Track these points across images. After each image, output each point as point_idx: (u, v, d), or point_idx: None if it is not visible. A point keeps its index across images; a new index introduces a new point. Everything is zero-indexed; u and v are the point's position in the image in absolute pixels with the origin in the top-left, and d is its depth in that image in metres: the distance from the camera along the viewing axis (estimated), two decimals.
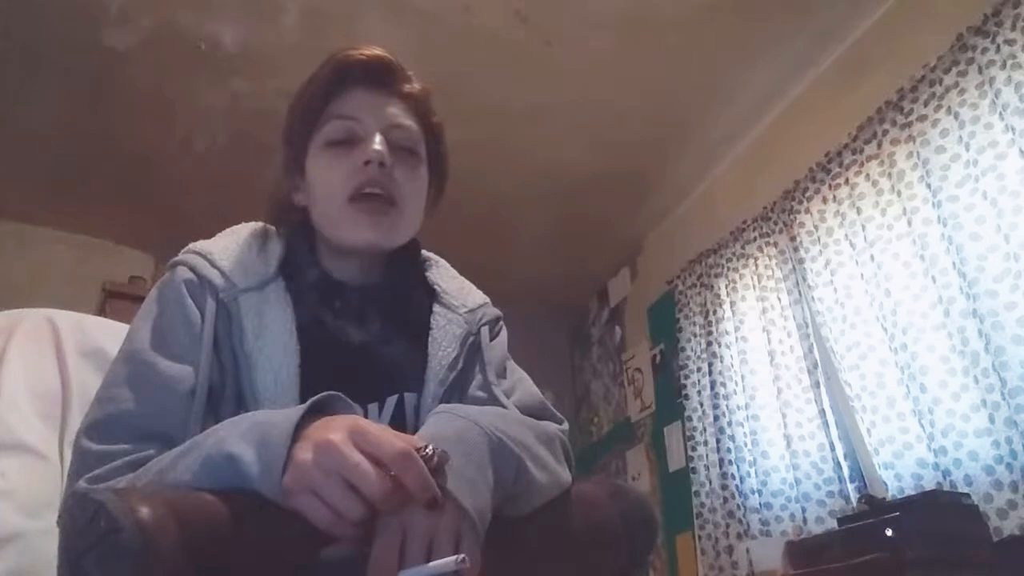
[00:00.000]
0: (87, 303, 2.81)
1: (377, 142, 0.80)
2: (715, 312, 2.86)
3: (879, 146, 2.23)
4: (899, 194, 2.14)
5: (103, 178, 3.02)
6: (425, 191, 0.87)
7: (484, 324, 0.89)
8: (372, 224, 0.79)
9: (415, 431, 0.70)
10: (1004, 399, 1.74)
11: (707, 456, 2.72)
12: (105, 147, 2.85)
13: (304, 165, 0.84)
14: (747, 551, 2.16)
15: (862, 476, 2.22)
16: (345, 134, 0.81)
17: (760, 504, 2.47)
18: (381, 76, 0.84)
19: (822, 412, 2.30)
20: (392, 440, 0.55)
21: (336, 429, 0.55)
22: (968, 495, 1.76)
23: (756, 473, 2.52)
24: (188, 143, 2.84)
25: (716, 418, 2.70)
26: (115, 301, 2.82)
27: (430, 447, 0.56)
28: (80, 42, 2.40)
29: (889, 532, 1.62)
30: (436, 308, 0.88)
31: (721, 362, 2.76)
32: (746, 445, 2.58)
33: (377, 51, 0.84)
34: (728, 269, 2.85)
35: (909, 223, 2.08)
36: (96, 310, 2.72)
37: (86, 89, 2.58)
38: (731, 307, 2.82)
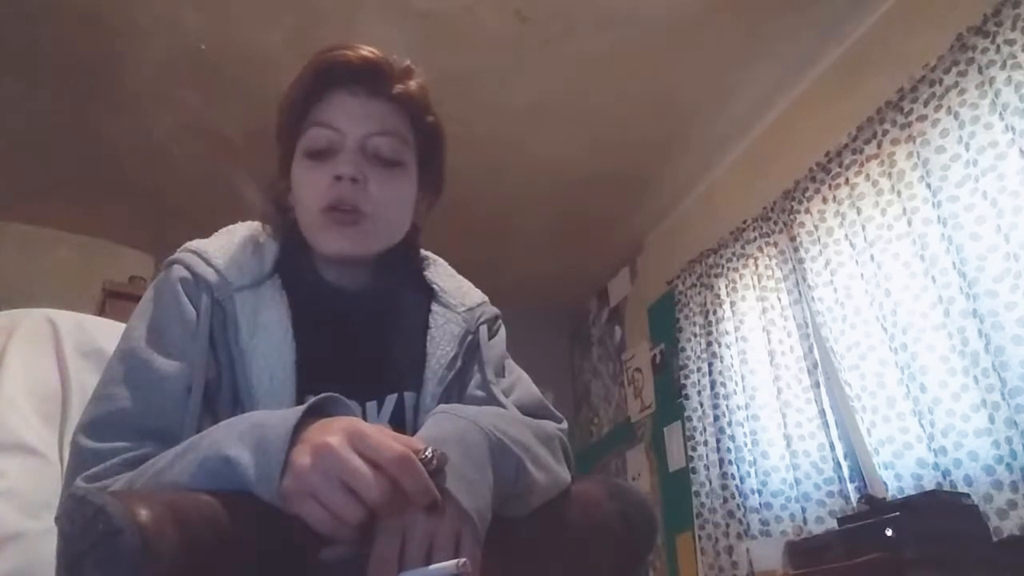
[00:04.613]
0: (87, 303, 2.81)
1: (351, 159, 0.78)
2: (715, 312, 2.86)
3: (879, 146, 2.23)
4: (899, 194, 2.14)
5: (103, 178, 3.02)
6: (409, 198, 0.85)
7: (482, 323, 0.89)
8: (342, 235, 0.78)
9: (415, 430, 0.70)
10: (1004, 399, 1.74)
11: (707, 456, 2.72)
12: (105, 147, 2.85)
13: (290, 168, 0.83)
14: (747, 551, 2.16)
15: (862, 476, 2.22)
16: (322, 144, 0.80)
17: (760, 504, 2.47)
18: (367, 78, 0.81)
19: (822, 412, 2.30)
20: (391, 444, 0.54)
21: (334, 432, 0.55)
22: (968, 495, 1.76)
23: (756, 473, 2.52)
24: (188, 143, 2.84)
25: (716, 418, 2.70)
26: (115, 301, 2.82)
27: (429, 450, 0.56)
28: (80, 42, 2.39)
29: (889, 532, 1.62)
30: (434, 307, 0.88)
31: (721, 362, 2.76)
32: (746, 445, 2.58)
33: (364, 52, 0.81)
34: (728, 269, 2.85)
35: (909, 223, 2.08)
36: (96, 310, 2.72)
37: (86, 89, 2.58)
38: (731, 307, 2.82)
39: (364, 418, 0.76)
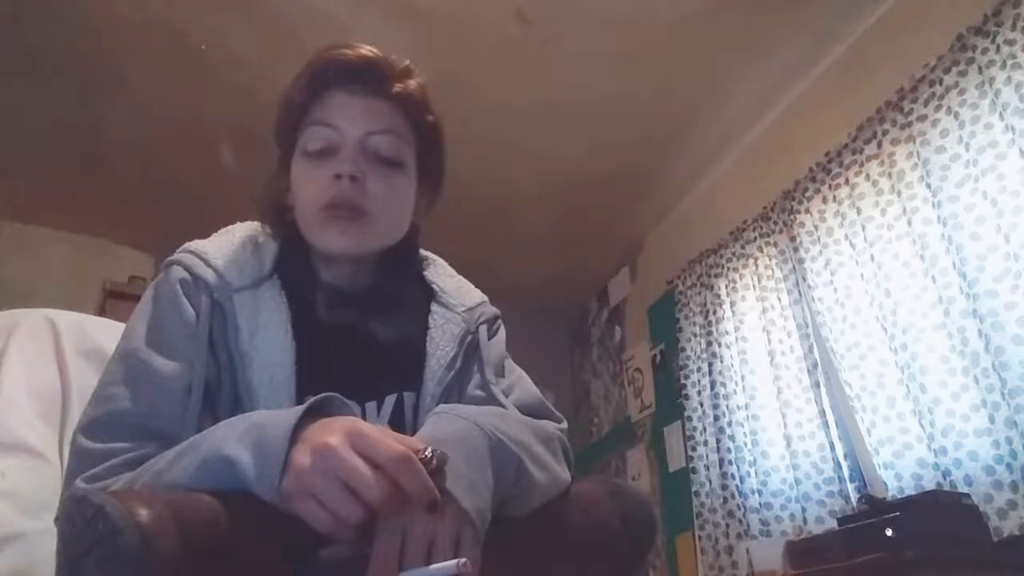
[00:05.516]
0: (87, 303, 2.81)
1: (350, 157, 0.78)
2: (715, 312, 2.86)
3: (879, 146, 2.23)
4: (899, 194, 2.14)
5: (103, 178, 3.02)
6: (408, 197, 0.85)
7: (482, 323, 0.89)
8: (341, 232, 0.78)
9: (414, 431, 0.70)
10: (1004, 399, 1.74)
11: (707, 456, 2.72)
12: (105, 147, 2.85)
13: (290, 167, 0.83)
14: (747, 551, 2.16)
15: (862, 476, 2.22)
16: (322, 143, 0.80)
17: (760, 504, 2.47)
18: (366, 77, 0.81)
19: (822, 412, 2.29)
20: (391, 444, 0.55)
21: (334, 432, 0.55)
22: (968, 495, 1.76)
23: (756, 473, 2.52)
24: (188, 143, 2.84)
25: (716, 418, 2.70)
26: (115, 301, 2.81)
27: (429, 450, 0.57)
28: (80, 42, 2.39)
29: (889, 532, 1.62)
30: (434, 307, 0.88)
31: (721, 362, 2.76)
32: (746, 445, 2.57)
33: (363, 51, 0.81)
34: (728, 269, 2.85)
35: (909, 223, 2.08)
36: (96, 310, 2.72)
37: (86, 89, 2.58)
38: (731, 307, 2.82)
39: (363, 418, 0.76)
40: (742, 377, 2.66)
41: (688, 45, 2.52)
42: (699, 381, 2.87)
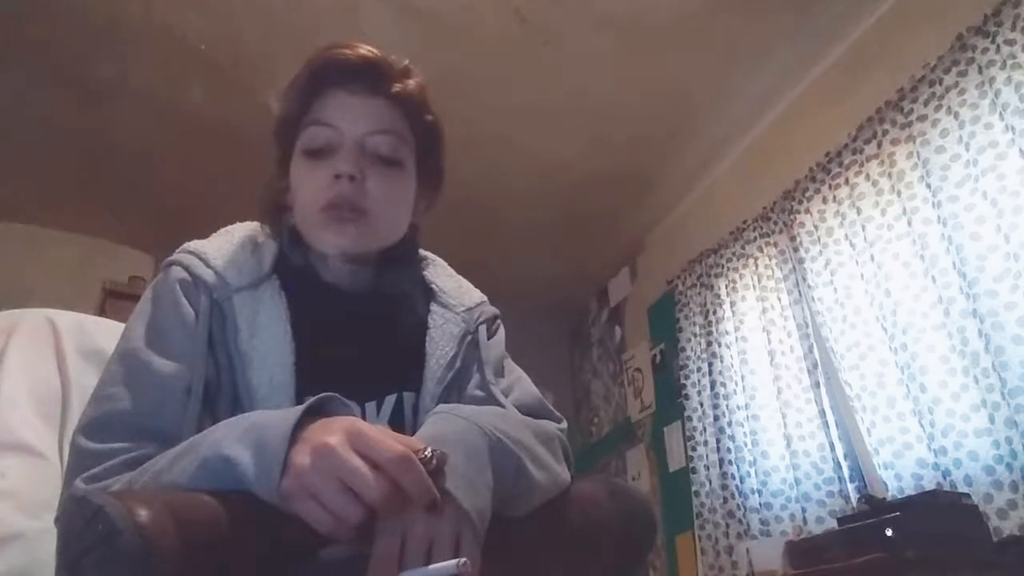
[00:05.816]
0: (87, 303, 2.81)
1: (349, 157, 0.78)
2: (715, 312, 2.86)
3: (879, 146, 2.23)
4: (899, 194, 2.14)
5: (103, 178, 3.02)
6: (407, 197, 0.85)
7: (482, 323, 0.89)
8: (339, 231, 0.78)
9: (414, 431, 0.70)
10: (1004, 399, 1.74)
11: (707, 456, 2.72)
12: (105, 147, 2.85)
13: (289, 167, 0.83)
14: (747, 551, 2.16)
15: (862, 476, 2.22)
16: (321, 142, 0.80)
17: (760, 504, 2.47)
18: (366, 77, 0.81)
19: (822, 412, 2.29)
20: (391, 443, 0.54)
21: (334, 432, 0.55)
22: (968, 495, 1.76)
23: (756, 473, 2.52)
24: (188, 143, 2.84)
25: (716, 418, 2.70)
26: (115, 301, 2.82)
27: (429, 449, 0.57)
28: (80, 42, 2.39)
29: (889, 532, 1.62)
30: (433, 307, 0.88)
31: (721, 362, 2.76)
32: (746, 445, 2.57)
33: (362, 51, 0.81)
34: (728, 269, 2.85)
35: (909, 223, 2.08)
36: (96, 310, 2.72)
37: (87, 89, 2.58)
38: (731, 307, 2.82)
39: (363, 418, 0.76)
40: (742, 377, 2.66)
41: (688, 45, 2.52)
42: (699, 381, 2.87)
